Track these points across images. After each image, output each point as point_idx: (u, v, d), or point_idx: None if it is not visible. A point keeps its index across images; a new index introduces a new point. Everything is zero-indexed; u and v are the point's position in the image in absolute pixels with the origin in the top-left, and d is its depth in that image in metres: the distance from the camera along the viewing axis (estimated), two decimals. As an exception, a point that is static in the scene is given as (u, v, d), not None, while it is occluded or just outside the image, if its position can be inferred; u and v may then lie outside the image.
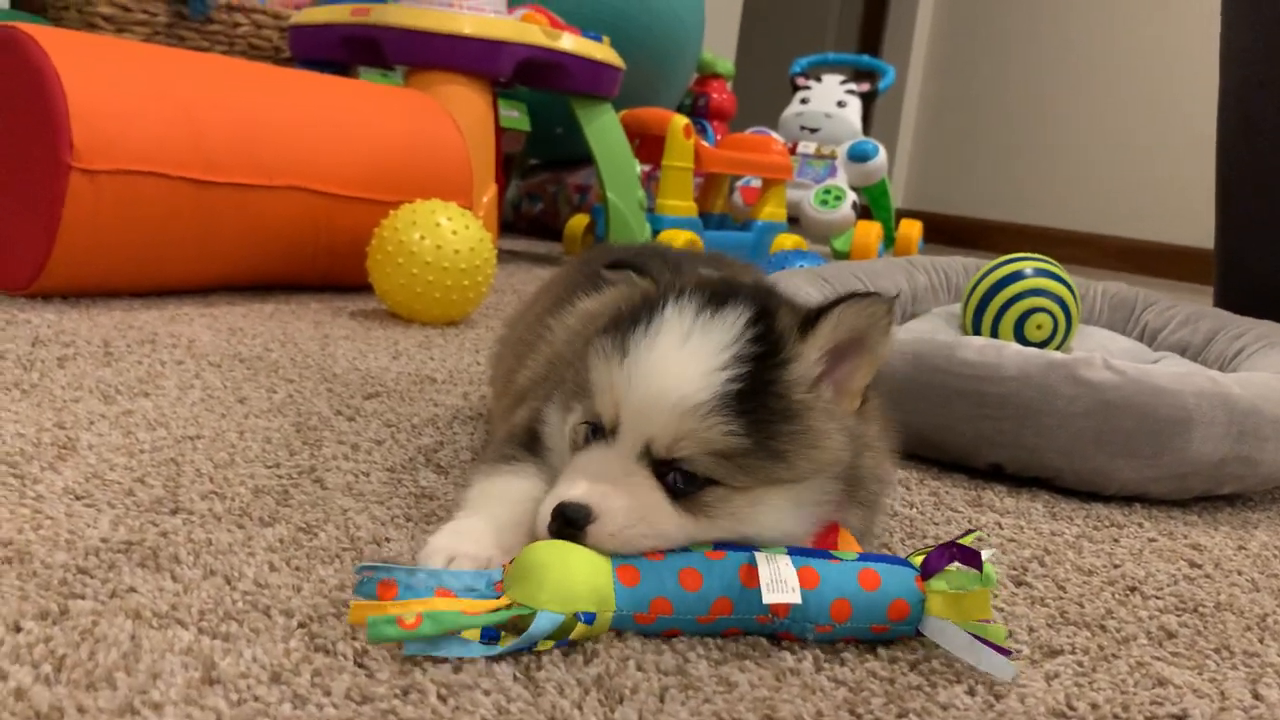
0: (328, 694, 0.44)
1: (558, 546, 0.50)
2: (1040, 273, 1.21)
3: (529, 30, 1.88)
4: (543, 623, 0.48)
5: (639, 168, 2.33)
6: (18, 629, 0.47)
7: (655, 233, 2.25)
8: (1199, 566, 0.75)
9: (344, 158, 1.38)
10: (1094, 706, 0.52)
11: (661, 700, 0.47)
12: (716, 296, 0.55)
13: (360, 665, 0.47)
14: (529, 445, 0.63)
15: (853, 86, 3.04)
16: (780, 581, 0.52)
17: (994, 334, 1.20)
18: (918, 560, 0.56)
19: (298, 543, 0.59)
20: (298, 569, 0.56)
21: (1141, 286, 1.41)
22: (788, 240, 2.53)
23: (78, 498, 0.63)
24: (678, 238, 2.22)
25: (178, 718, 0.41)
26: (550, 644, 0.49)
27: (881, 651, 0.54)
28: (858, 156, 2.90)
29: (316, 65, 2.03)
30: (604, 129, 2.09)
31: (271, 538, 0.60)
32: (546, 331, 0.76)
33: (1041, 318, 1.19)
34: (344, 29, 1.88)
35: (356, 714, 0.43)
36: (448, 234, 1.28)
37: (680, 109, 3.10)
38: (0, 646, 0.45)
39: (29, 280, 1.16)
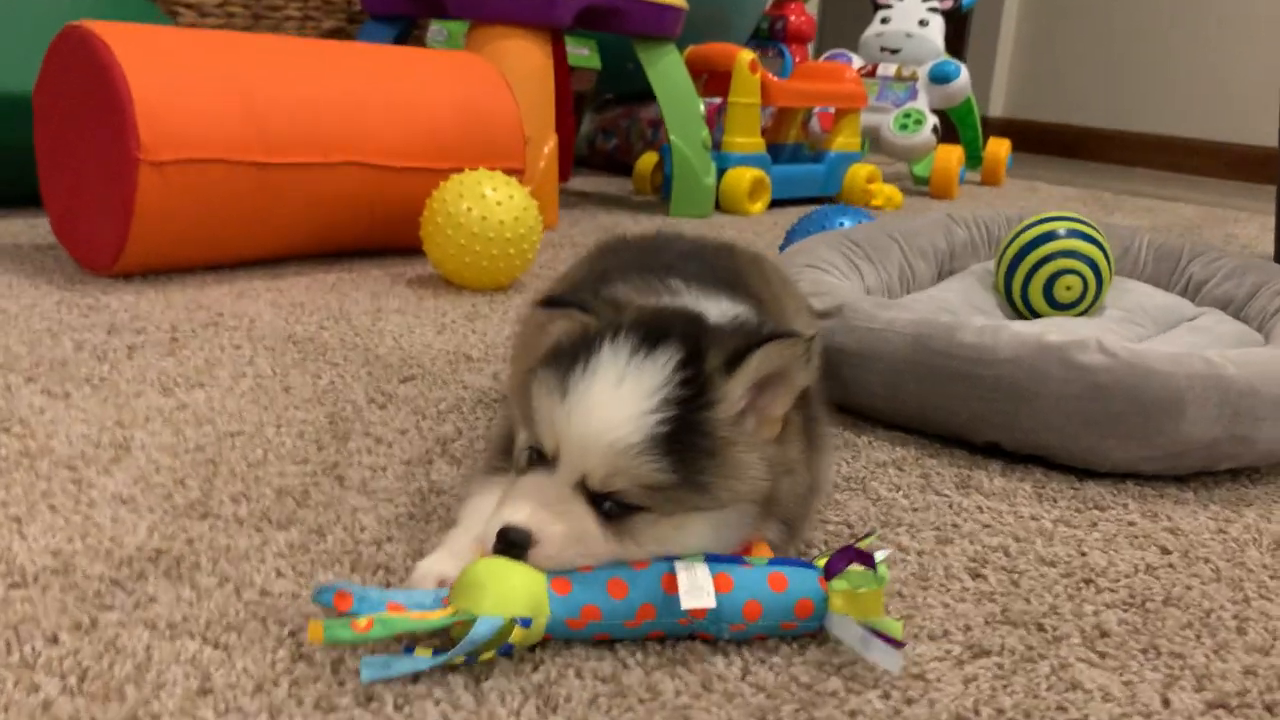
0: (300, 704, 0.52)
1: (498, 562, 0.57)
2: (1073, 233, 1.21)
3: (587, -23, 1.90)
4: (482, 627, 0.55)
5: (703, 106, 2.33)
6: (55, 640, 0.56)
7: (721, 171, 2.27)
8: (1168, 554, 0.77)
9: (397, 130, 1.44)
10: (999, 711, 0.57)
11: (590, 706, 0.54)
12: (649, 338, 0.59)
13: (334, 674, 0.55)
14: (509, 451, 0.69)
15: (935, 4, 2.96)
16: (697, 587, 0.58)
17: (1024, 293, 1.21)
18: (822, 562, 0.61)
19: (305, 547, 0.68)
20: (300, 575, 0.64)
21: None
22: (861, 171, 2.52)
23: (124, 502, 0.72)
24: (744, 176, 2.25)
25: (172, 727, 0.50)
26: (492, 653, 0.56)
27: (809, 656, 0.60)
28: (939, 78, 2.84)
29: (385, 19, 2.09)
30: (666, 70, 2.10)
31: (284, 542, 0.68)
32: (543, 338, 0.81)
33: (1071, 279, 1.19)
34: (407, -16, 1.93)
35: (323, 722, 0.51)
36: (493, 204, 1.34)
37: (757, 33, 3.07)
38: (38, 659, 0.54)
39: (110, 263, 1.27)
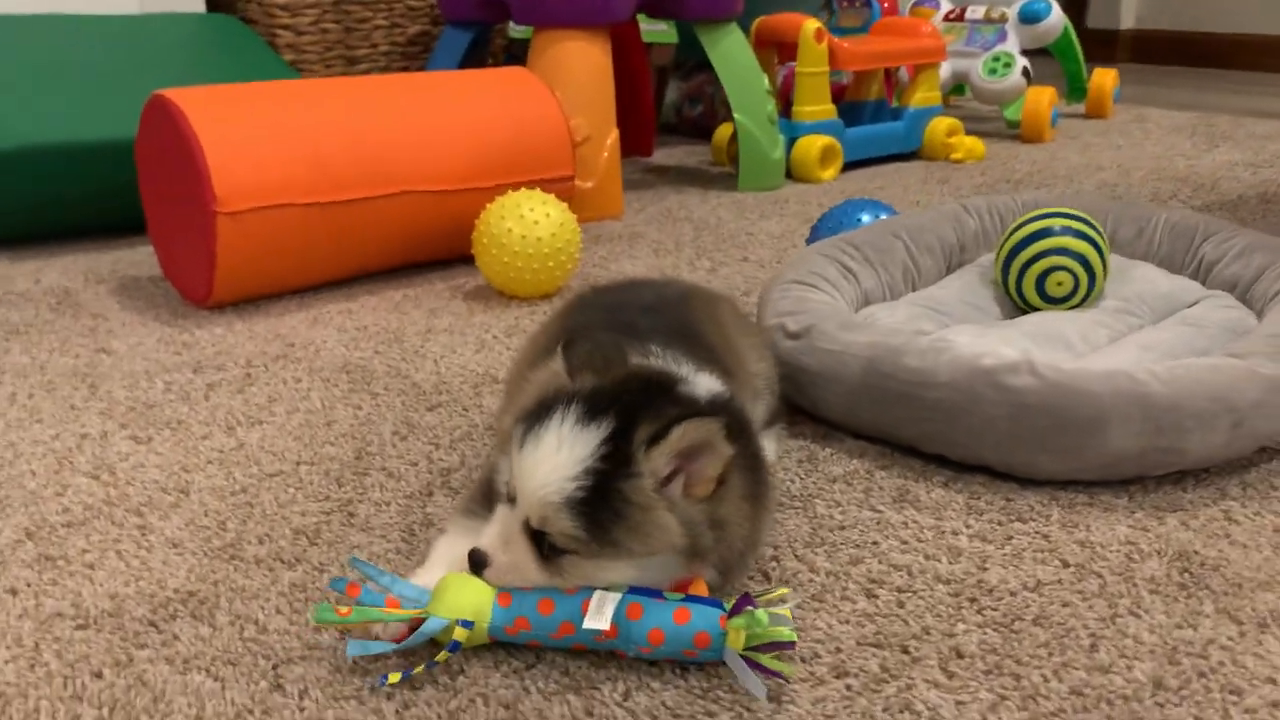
0: (266, 729, 0.68)
1: (460, 577, 0.74)
2: (1067, 231, 1.25)
3: (639, -27, 1.98)
4: (431, 624, 0.71)
5: (781, 73, 2.39)
6: (100, 675, 0.74)
7: (791, 141, 2.33)
8: (1067, 567, 0.86)
9: (449, 155, 1.59)
10: (831, 731, 0.68)
11: (489, 731, 0.68)
12: (591, 411, 0.72)
13: (300, 703, 0.71)
14: (487, 497, 0.83)
15: (1025, -61, 2.88)
16: (599, 613, 0.71)
17: (1019, 286, 1.27)
18: (730, 603, 0.73)
19: (304, 586, 0.84)
20: (295, 612, 0.80)
21: None
22: (941, 125, 2.53)
23: (174, 546, 0.90)
24: (814, 144, 2.30)
25: (170, 749, 0.67)
26: (446, 654, 0.72)
27: (687, 682, 0.72)
28: (1029, 18, 2.79)
29: (462, 25, 2.23)
30: (727, 52, 2.17)
31: (288, 581, 0.84)
32: (523, 384, 0.94)
33: (1062, 275, 1.24)
34: (478, -8, 2.07)
35: (280, 744, 0.67)
36: (530, 223, 1.48)
37: (844, -18, 3.06)
38: (85, 692, 0.72)
39: (204, 297, 1.47)
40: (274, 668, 0.74)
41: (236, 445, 1.09)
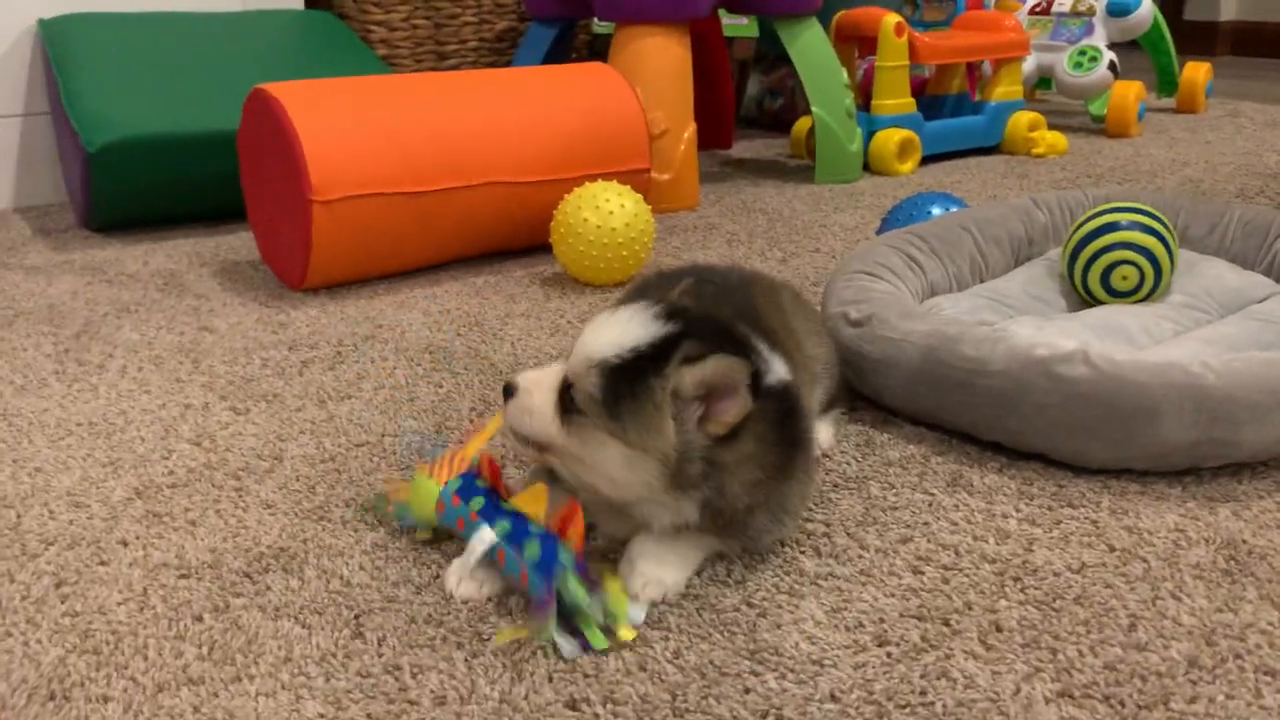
0: (347, 670, 0.75)
1: (420, 483, 0.86)
2: (1134, 225, 1.26)
3: (720, -31, 2.02)
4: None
5: (845, 77, 2.41)
6: (200, 619, 0.81)
7: (870, 134, 2.35)
8: (1112, 551, 0.88)
9: (529, 147, 1.65)
10: (869, 693, 0.72)
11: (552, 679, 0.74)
12: (660, 314, 0.78)
13: (378, 649, 0.77)
14: None
15: (1117, -70, 2.84)
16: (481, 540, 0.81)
17: (1084, 281, 1.29)
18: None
19: (385, 545, 0.90)
20: (376, 569, 0.87)
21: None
22: (1023, 119, 2.52)
23: (267, 508, 0.97)
24: (892, 138, 2.32)
25: (258, 684, 0.74)
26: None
27: (739, 642, 0.77)
28: (1118, 11, 2.75)
29: (546, 21, 2.29)
30: (806, 46, 2.20)
31: (371, 541, 0.91)
32: None
33: (1128, 269, 1.26)
34: (562, -11, 2.13)
35: (357, 684, 0.73)
36: (606, 214, 1.53)
37: (930, -25, 3.05)
38: (187, 632, 0.79)
39: (299, 283, 1.56)
40: (356, 617, 0.81)
41: (327, 418, 1.16)
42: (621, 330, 0.77)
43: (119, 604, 0.83)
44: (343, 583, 0.85)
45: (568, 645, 0.76)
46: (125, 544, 0.92)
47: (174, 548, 0.91)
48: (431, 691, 0.72)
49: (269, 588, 0.85)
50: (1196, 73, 3.04)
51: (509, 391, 0.81)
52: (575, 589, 0.76)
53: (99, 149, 1.80)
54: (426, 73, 1.72)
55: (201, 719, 0.70)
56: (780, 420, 0.81)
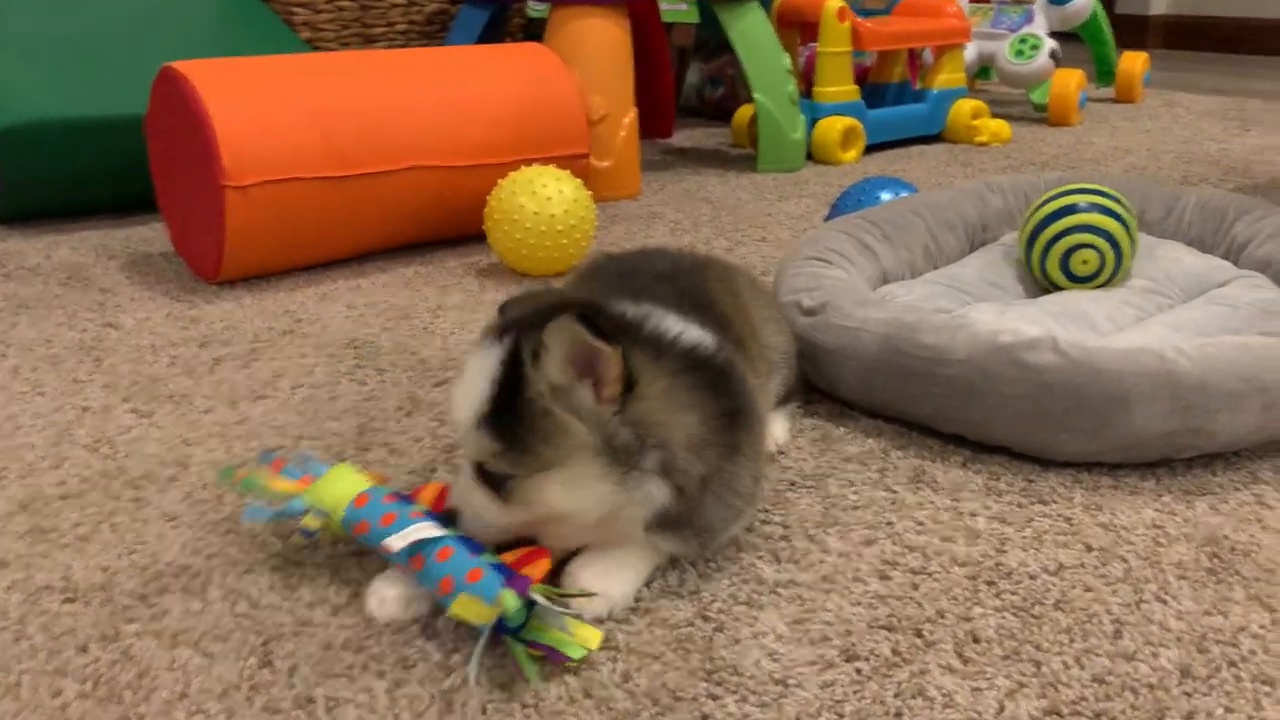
0: (252, 705, 0.66)
1: (345, 469, 0.78)
2: (1094, 208, 1.21)
3: (659, -50, 1.95)
4: (294, 505, 0.77)
5: (804, 53, 2.35)
6: (85, 650, 0.71)
7: (812, 122, 2.29)
8: (1090, 551, 0.82)
9: (460, 131, 1.56)
10: (839, 716, 0.65)
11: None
12: (496, 338, 0.72)
13: (288, 678, 0.68)
14: None
15: (1055, -81, 2.83)
16: (402, 536, 0.72)
17: (1043, 264, 1.23)
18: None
19: (301, 562, 0.81)
20: (288, 588, 0.78)
21: None
22: (965, 107, 2.48)
23: (169, 520, 0.88)
24: (835, 125, 2.27)
25: (154, 724, 0.65)
26: (300, 537, 0.81)
27: (694, 663, 0.70)
28: (1057, 0, 2.73)
29: (479, 2, 2.20)
30: (747, 30, 2.13)
31: (282, 557, 0.82)
32: None
33: (1088, 253, 1.21)
34: (491, -28, 2.04)
35: (267, 722, 0.65)
36: (543, 199, 1.45)
37: (871, -36, 3.01)
38: (68, 666, 0.70)
39: (213, 274, 1.45)
40: (264, 643, 0.72)
41: (239, 419, 1.06)
42: (475, 384, 0.72)
43: (-8, 634, 0.73)
44: (250, 604, 0.76)
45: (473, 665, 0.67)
46: (5, 564, 0.82)
47: (60, 568, 0.81)
48: (349, 728, 0.64)
49: (166, 611, 0.75)
50: (1134, 63, 3.03)
51: (454, 519, 0.74)
52: (513, 601, 0.67)
53: (1, 132, 1.67)
54: (350, 51, 1.62)
55: (81, 768, 0.61)
56: (691, 367, 0.75)
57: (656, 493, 0.73)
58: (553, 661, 0.68)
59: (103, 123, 1.75)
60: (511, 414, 0.70)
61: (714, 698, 0.67)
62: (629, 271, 0.97)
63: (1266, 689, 0.67)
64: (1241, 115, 2.82)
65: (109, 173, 1.80)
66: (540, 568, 0.70)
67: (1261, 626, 0.73)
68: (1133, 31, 4.71)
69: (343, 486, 0.77)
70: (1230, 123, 2.71)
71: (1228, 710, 0.65)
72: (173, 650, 0.71)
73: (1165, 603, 0.76)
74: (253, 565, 0.81)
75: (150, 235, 1.75)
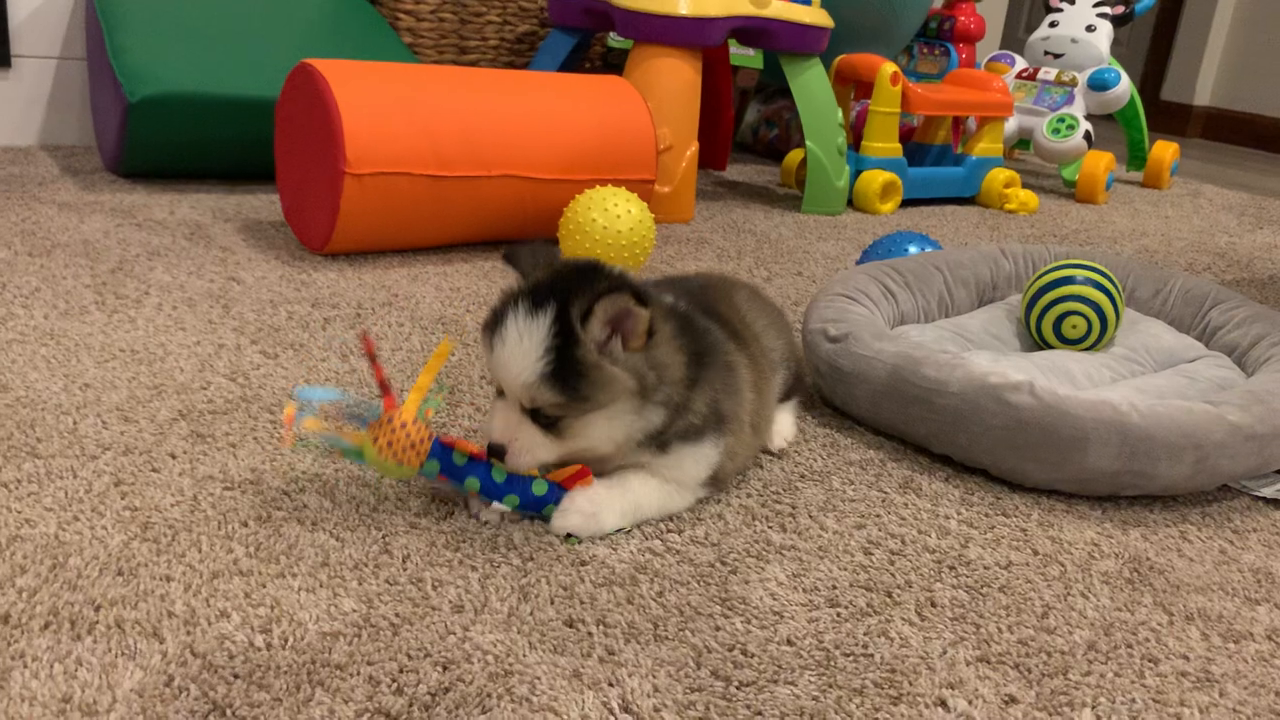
0: (376, 579, 0.87)
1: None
2: (1088, 281, 1.41)
3: (737, 3, 2.17)
4: (343, 443, 0.93)
5: (855, 109, 2.55)
6: (246, 524, 0.92)
7: (856, 173, 2.50)
8: (1036, 555, 1.02)
9: (546, 148, 1.78)
10: (819, 642, 0.85)
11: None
12: (537, 302, 0.89)
13: (403, 565, 0.89)
14: None
15: (1106, 10, 3.03)
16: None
17: (1039, 325, 1.43)
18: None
19: (409, 482, 1.02)
20: (399, 499, 0.99)
21: None
22: (999, 176, 2.68)
23: (301, 439, 1.09)
24: (877, 178, 2.47)
25: (300, 580, 0.85)
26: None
27: (712, 590, 0.90)
28: (1097, 85, 2.93)
29: (568, 30, 2.42)
30: (808, 83, 2.34)
31: (393, 481, 1.03)
32: None
33: (1077, 319, 1.40)
34: (584, 2, 2.26)
35: (386, 589, 0.85)
36: (613, 217, 1.66)
37: (925, 31, 3.23)
38: (235, 533, 0.91)
39: (321, 246, 1.67)
40: (383, 536, 0.93)
41: (350, 370, 1.28)
42: (526, 343, 0.88)
43: (172, 505, 0.94)
44: (371, 509, 0.97)
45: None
46: (174, 456, 1.03)
47: (218, 465, 1.02)
48: (450, 601, 0.85)
49: (306, 505, 0.96)
50: (1164, 152, 3.23)
51: (498, 453, 0.92)
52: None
53: (140, 99, 1.90)
54: (458, 66, 1.84)
55: (252, 603, 0.82)
56: (677, 318, 0.98)
57: (654, 417, 0.95)
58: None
59: (223, 101, 1.98)
60: (569, 369, 0.88)
61: (725, 616, 0.87)
62: (666, 283, 1.18)
63: (1151, 664, 0.87)
64: (1259, 212, 3.01)
65: (225, 145, 2.03)
66: (589, 482, 0.94)
67: (1159, 624, 0.93)
68: (1175, 119, 4.90)
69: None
70: (1246, 218, 2.89)
71: (1116, 675, 0.85)
72: (313, 533, 0.92)
73: (1087, 598, 0.96)
74: (370, 482, 1.02)
75: (258, 204, 1.98)
